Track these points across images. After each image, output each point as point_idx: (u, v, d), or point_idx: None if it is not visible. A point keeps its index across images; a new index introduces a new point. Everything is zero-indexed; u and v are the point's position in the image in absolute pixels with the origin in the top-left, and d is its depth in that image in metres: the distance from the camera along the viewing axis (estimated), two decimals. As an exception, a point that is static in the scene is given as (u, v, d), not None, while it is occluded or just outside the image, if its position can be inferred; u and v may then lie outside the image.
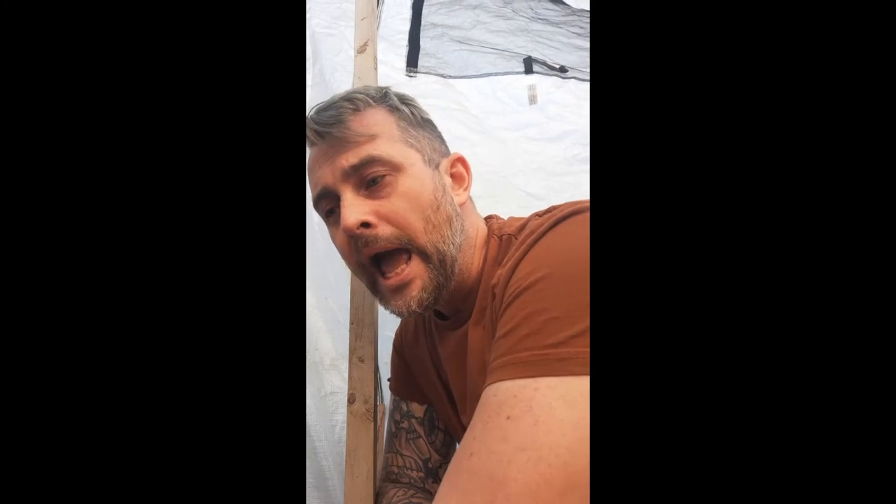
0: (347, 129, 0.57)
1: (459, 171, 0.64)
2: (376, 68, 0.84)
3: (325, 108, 0.60)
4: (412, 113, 0.62)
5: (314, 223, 1.11)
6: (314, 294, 1.10)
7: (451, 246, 0.58)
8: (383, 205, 0.56)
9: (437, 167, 0.61)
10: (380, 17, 1.05)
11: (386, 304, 0.60)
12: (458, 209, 0.61)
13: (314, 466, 1.01)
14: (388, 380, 0.81)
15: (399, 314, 0.59)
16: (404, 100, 0.63)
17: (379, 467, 0.76)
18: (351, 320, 0.78)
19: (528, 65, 1.25)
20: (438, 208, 0.58)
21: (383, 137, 0.58)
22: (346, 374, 0.78)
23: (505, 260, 0.53)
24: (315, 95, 1.08)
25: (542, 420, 0.39)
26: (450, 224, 0.58)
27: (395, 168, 0.57)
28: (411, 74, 1.19)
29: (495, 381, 0.43)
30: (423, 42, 1.19)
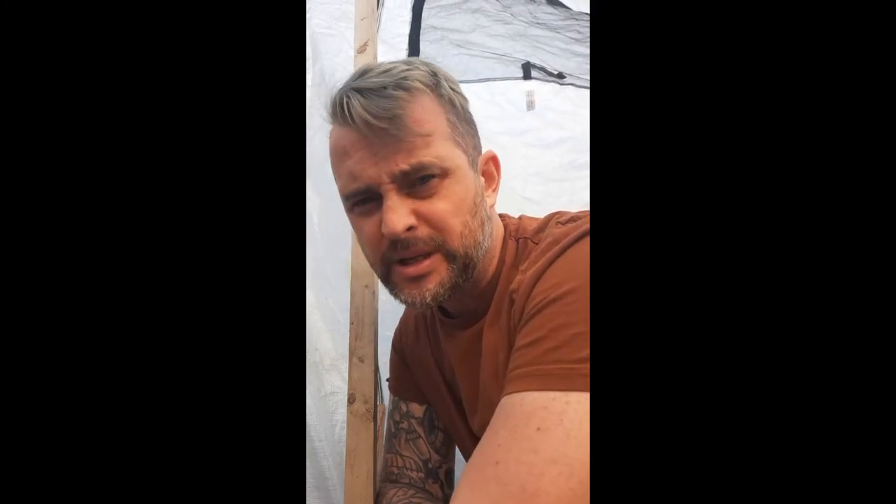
0: (403, 126, 0.52)
1: (490, 171, 0.62)
2: (376, 69, 0.84)
3: (374, 92, 0.53)
4: (461, 105, 0.58)
5: (314, 223, 1.11)
6: (314, 294, 1.10)
7: (480, 251, 0.57)
8: (424, 205, 0.53)
9: (476, 167, 0.58)
10: (379, 19, 1.05)
11: (398, 293, 0.57)
12: (490, 212, 0.59)
13: (314, 466, 1.01)
14: (387, 380, 0.81)
15: (410, 304, 0.57)
16: (452, 86, 0.58)
17: (379, 467, 0.76)
18: (351, 320, 0.78)
19: (527, 70, 1.26)
20: (476, 213, 0.56)
21: (436, 137, 0.53)
22: (346, 374, 0.78)
23: (525, 266, 0.53)
24: (315, 95, 1.09)
25: (573, 434, 0.39)
26: (482, 228, 0.57)
27: (445, 171, 0.54)
28: (411, 78, 1.19)
29: (520, 390, 0.43)
30: (423, 45, 1.19)
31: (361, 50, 0.84)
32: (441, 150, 0.53)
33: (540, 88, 1.27)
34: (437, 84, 0.56)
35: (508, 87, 1.28)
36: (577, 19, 1.17)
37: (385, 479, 0.74)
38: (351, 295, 0.80)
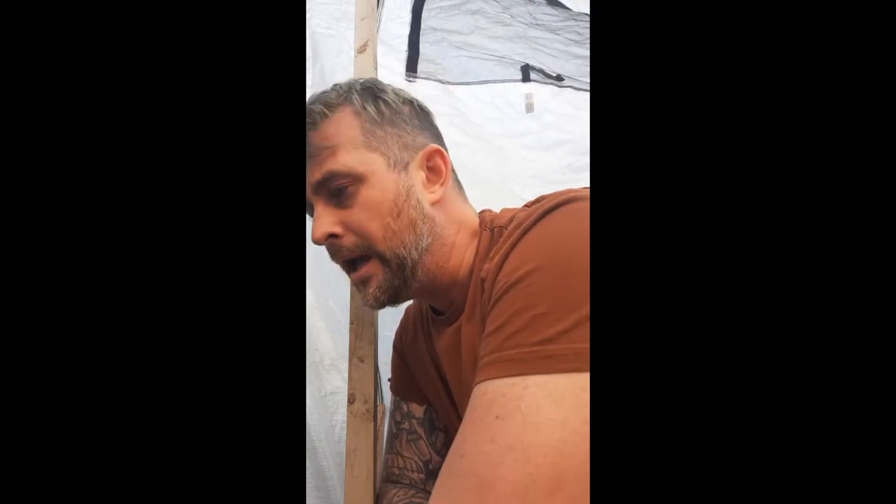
0: (310, 146, 0.59)
1: (437, 165, 0.63)
2: (376, 68, 0.84)
3: None
4: (379, 110, 0.61)
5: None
6: (314, 294, 1.10)
7: (413, 250, 0.59)
8: (348, 215, 0.58)
9: (405, 167, 0.60)
10: (379, 20, 1.05)
11: (359, 295, 0.64)
12: (427, 210, 0.60)
13: (314, 466, 1.01)
14: (389, 380, 0.81)
15: (367, 306, 0.63)
16: (373, 93, 0.62)
17: (379, 467, 0.76)
18: (351, 320, 0.78)
19: (526, 73, 1.26)
20: (399, 214, 0.58)
21: (344, 147, 0.58)
22: (346, 374, 0.78)
23: (492, 253, 0.53)
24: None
25: (529, 419, 0.38)
26: (413, 228, 0.59)
27: (357, 178, 0.58)
28: (410, 79, 1.19)
29: (484, 380, 0.43)
30: (423, 47, 1.19)
31: (361, 50, 0.84)
32: (348, 158, 0.58)
33: (538, 91, 1.28)
34: (347, 99, 0.61)
35: (507, 89, 1.28)
36: (576, 20, 1.17)
37: (386, 480, 0.74)
38: (351, 295, 0.80)
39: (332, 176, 0.58)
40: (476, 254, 0.61)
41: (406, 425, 0.75)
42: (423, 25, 1.17)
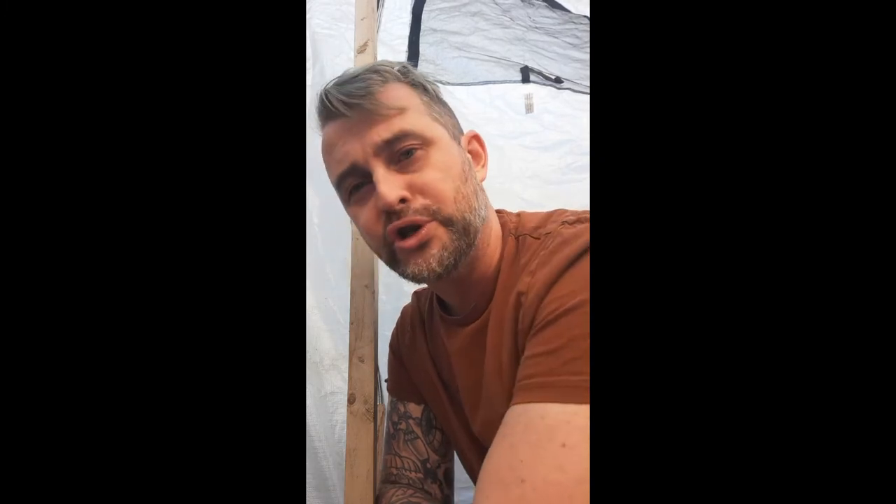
0: (377, 102, 0.56)
1: (476, 149, 0.64)
2: (376, 69, 0.85)
3: (349, 81, 0.58)
4: (434, 91, 0.62)
5: (314, 223, 1.11)
6: (314, 294, 1.10)
7: (477, 217, 0.58)
8: (416, 178, 0.55)
9: (459, 142, 0.61)
10: (379, 20, 1.05)
11: (405, 269, 0.57)
12: (480, 184, 0.61)
13: (314, 466, 1.01)
14: (386, 380, 0.81)
15: (419, 276, 0.57)
16: (426, 76, 0.63)
17: (379, 467, 0.76)
18: (351, 320, 0.78)
19: (525, 74, 1.26)
20: (467, 180, 0.58)
21: (412, 111, 0.57)
22: (346, 374, 0.78)
23: (534, 266, 0.53)
24: (315, 96, 1.09)
25: None
26: (476, 196, 0.59)
27: (427, 141, 0.56)
28: (410, 80, 1.19)
29: (540, 401, 0.42)
30: (423, 48, 1.19)
31: (361, 50, 0.84)
32: (418, 121, 0.57)
33: (538, 92, 1.28)
34: (406, 73, 0.60)
35: (507, 90, 1.29)
36: (575, 23, 1.17)
37: (384, 480, 0.74)
38: (351, 295, 0.80)
39: (403, 135, 0.55)
40: (501, 258, 0.60)
41: (403, 425, 0.75)
42: (422, 26, 1.17)
